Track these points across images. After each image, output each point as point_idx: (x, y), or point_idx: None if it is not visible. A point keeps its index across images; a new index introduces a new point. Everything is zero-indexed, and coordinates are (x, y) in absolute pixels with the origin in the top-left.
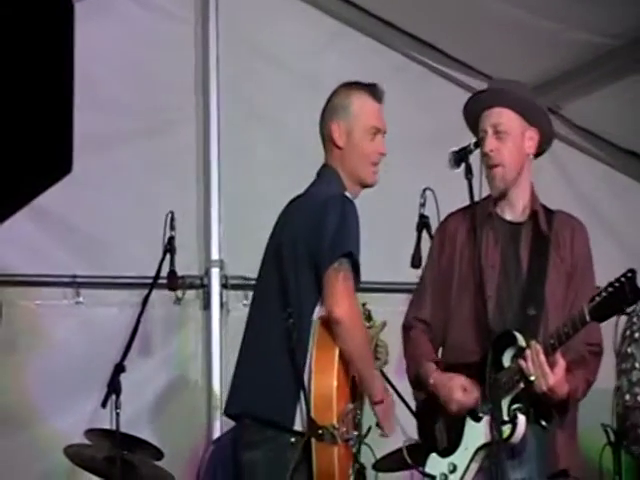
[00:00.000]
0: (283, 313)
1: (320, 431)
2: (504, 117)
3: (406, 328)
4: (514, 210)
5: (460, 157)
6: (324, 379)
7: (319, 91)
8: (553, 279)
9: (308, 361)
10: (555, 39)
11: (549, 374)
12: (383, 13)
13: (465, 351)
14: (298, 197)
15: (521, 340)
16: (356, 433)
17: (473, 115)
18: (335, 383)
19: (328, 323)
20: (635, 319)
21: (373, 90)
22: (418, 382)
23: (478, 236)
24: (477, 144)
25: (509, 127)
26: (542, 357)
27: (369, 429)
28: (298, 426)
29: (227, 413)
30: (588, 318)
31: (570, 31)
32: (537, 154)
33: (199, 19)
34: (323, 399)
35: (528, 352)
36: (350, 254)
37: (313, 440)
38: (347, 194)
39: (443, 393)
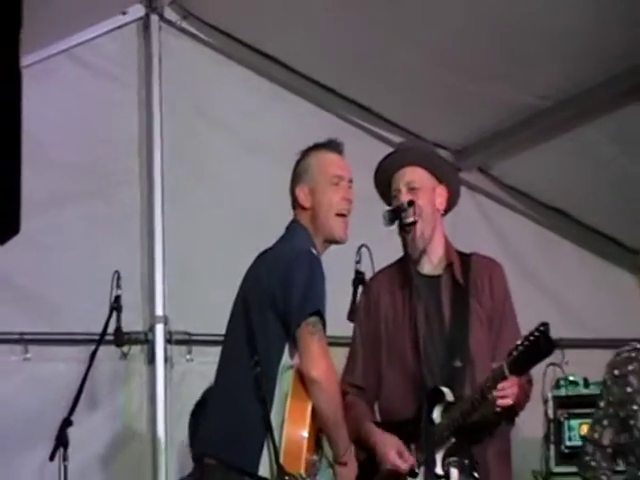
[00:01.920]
0: (250, 361)
1: (287, 477)
2: (416, 174)
3: (342, 394)
4: (431, 264)
5: (394, 215)
6: (297, 429)
7: (260, 152)
8: (475, 328)
9: (281, 407)
10: (485, 101)
11: (506, 388)
12: (320, 77)
13: (398, 409)
14: (266, 251)
15: (449, 395)
16: None
17: (385, 177)
18: (306, 434)
19: (303, 376)
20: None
21: (331, 144)
22: (359, 442)
23: (406, 297)
24: (411, 203)
25: (421, 184)
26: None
27: None
28: (263, 472)
29: (192, 453)
30: (507, 373)
31: (499, 93)
32: (445, 211)
33: (143, 83)
34: (294, 448)
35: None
36: (318, 312)
37: None
38: (313, 250)
39: (380, 452)
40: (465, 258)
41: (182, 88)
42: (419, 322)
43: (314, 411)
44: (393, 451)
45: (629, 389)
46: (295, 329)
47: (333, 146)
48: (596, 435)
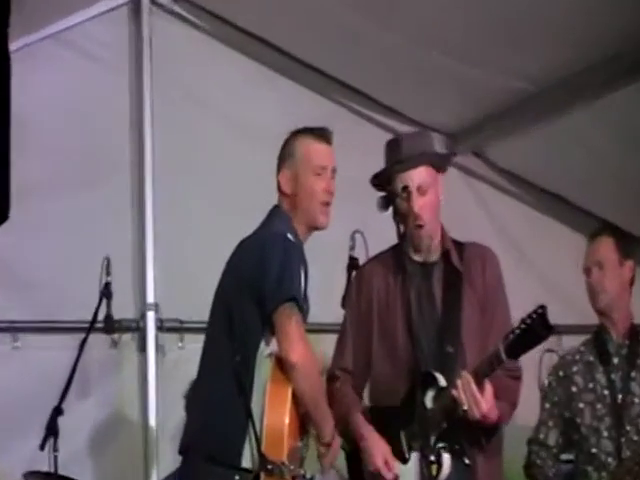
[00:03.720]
0: (230, 350)
1: (270, 466)
2: (425, 175)
3: (330, 379)
4: (427, 251)
5: (388, 200)
6: (277, 416)
7: (252, 137)
8: (467, 312)
9: (260, 396)
10: (479, 85)
11: (481, 401)
12: (315, 61)
13: (388, 393)
14: (246, 238)
15: (442, 380)
16: (302, 472)
17: (395, 173)
18: (287, 420)
19: (282, 361)
20: None
21: (319, 132)
22: (346, 433)
23: (399, 283)
24: (405, 188)
25: (429, 183)
26: (473, 386)
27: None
28: (245, 463)
29: (179, 446)
30: (504, 357)
31: (493, 77)
32: None
33: (133, 67)
34: (275, 435)
35: (459, 382)
36: (295, 298)
37: (262, 475)
38: (289, 235)
39: (367, 456)
40: (459, 246)
41: (173, 72)
42: (412, 307)
43: (295, 396)
44: (380, 458)
45: (574, 388)
46: (271, 313)
47: (321, 135)
48: (541, 436)
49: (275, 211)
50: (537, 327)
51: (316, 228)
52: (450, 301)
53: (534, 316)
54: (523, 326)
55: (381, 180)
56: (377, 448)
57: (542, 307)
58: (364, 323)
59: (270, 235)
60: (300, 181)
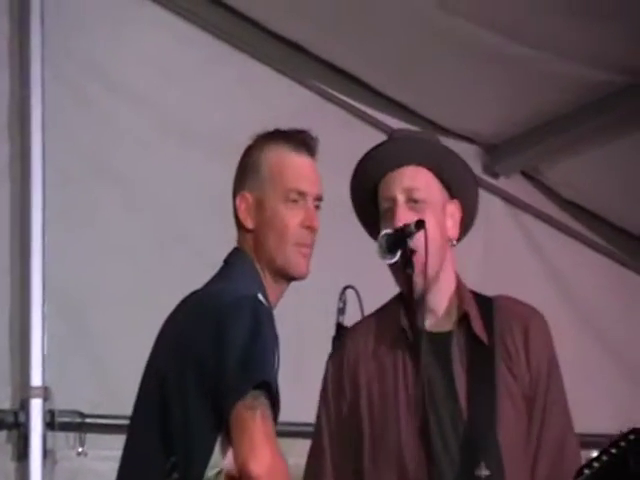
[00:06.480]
0: (165, 463)
1: None
2: (421, 179)
3: None
4: (435, 315)
5: (397, 241)
6: None
7: (191, 139)
8: (506, 413)
9: None
10: (535, 75)
11: None
12: (285, 31)
13: None
14: (193, 294)
15: None
16: None
17: (370, 181)
18: None
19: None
20: None
21: (297, 139)
22: None
23: (400, 365)
24: (420, 223)
25: (428, 194)
26: None
27: None
28: None
29: None
30: None
31: (557, 64)
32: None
33: (16, 30)
34: None
35: None
36: (266, 384)
37: None
38: (260, 297)
39: None
40: (485, 304)
41: (75, 39)
42: (422, 403)
43: None
44: None
45: None
46: (230, 409)
47: (301, 143)
48: None
49: (237, 257)
50: (629, 462)
51: (290, 277)
52: (478, 393)
53: (623, 444)
54: (605, 457)
55: (362, 201)
56: None
57: (636, 431)
58: (348, 435)
59: (234, 297)
60: (266, 209)
